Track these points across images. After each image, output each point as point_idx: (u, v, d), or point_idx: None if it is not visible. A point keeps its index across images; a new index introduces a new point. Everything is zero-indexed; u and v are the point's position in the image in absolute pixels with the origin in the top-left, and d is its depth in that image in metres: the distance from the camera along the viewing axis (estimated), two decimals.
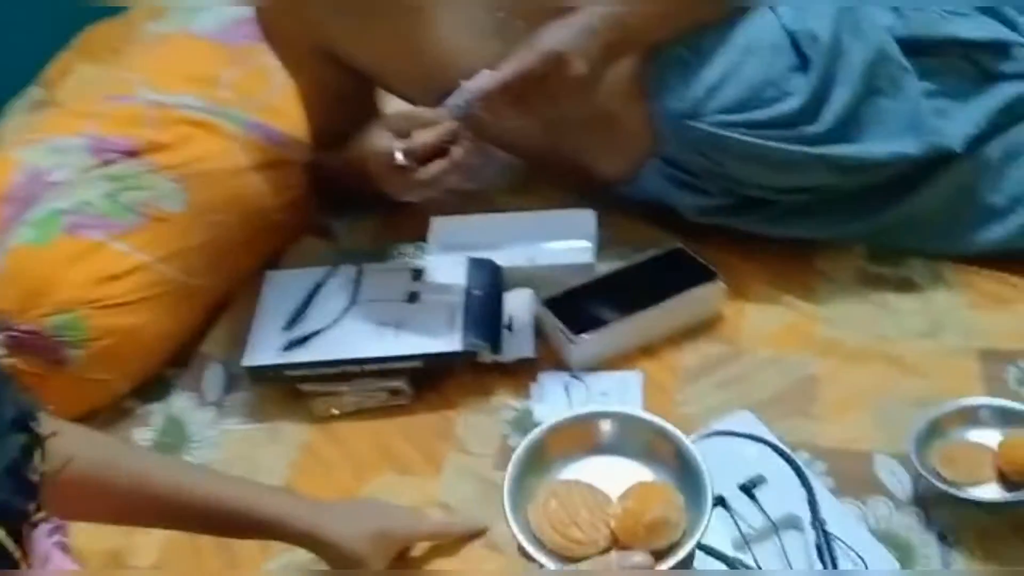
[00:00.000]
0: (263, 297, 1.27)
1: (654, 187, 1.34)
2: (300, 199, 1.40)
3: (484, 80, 1.10)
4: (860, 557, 0.95)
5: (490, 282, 1.25)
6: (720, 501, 1.01)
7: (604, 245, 1.32)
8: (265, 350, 1.19)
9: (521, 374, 1.20)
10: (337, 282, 1.27)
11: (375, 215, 1.44)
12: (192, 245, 1.27)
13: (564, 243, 1.32)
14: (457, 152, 1.11)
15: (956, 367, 1.17)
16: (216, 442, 1.19)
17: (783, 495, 1.02)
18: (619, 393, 1.17)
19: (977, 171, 1.28)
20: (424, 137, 1.11)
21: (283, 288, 1.27)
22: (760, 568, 0.96)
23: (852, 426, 1.11)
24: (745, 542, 0.99)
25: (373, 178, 1.17)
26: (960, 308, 1.24)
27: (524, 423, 1.13)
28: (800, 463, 1.04)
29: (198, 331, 1.31)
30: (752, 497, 1.02)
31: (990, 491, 1.00)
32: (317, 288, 1.27)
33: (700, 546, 0.96)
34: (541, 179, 1.47)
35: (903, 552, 0.99)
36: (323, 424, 1.19)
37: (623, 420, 0.94)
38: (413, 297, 1.24)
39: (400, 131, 1.13)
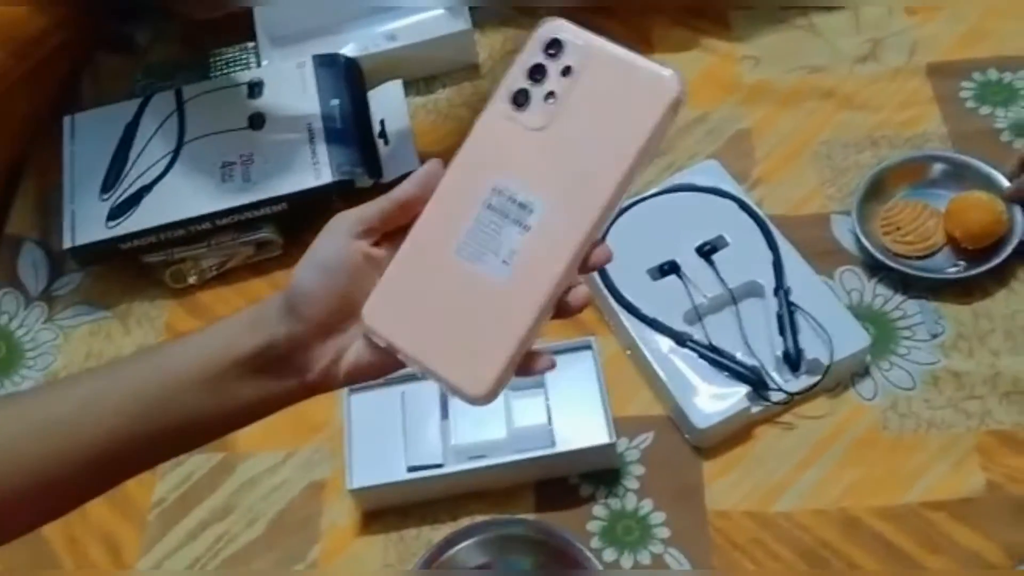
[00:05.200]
0: (66, 153, 1.00)
1: None
2: (81, 5, 1.10)
3: None
4: (825, 331, 0.83)
5: (348, 83, 1.01)
6: (673, 268, 0.88)
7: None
8: (86, 224, 0.95)
9: None
10: (154, 116, 1.01)
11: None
12: None
13: (428, 9, 1.07)
14: None
15: (903, 92, 1.00)
16: (57, 346, 0.97)
17: (746, 259, 0.88)
18: None
19: None
20: None
21: (88, 136, 1.01)
22: (709, 343, 0.83)
23: (799, 185, 0.96)
24: (697, 315, 0.86)
25: None
26: (897, 18, 1.06)
27: None
28: (769, 223, 0.90)
29: None
30: (710, 262, 0.88)
31: (939, 262, 0.88)
32: (131, 129, 1.01)
33: (646, 319, 0.86)
34: None
35: (881, 328, 0.86)
36: (183, 296, 0.98)
37: None
38: (256, 121, 0.99)
39: None
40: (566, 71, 0.47)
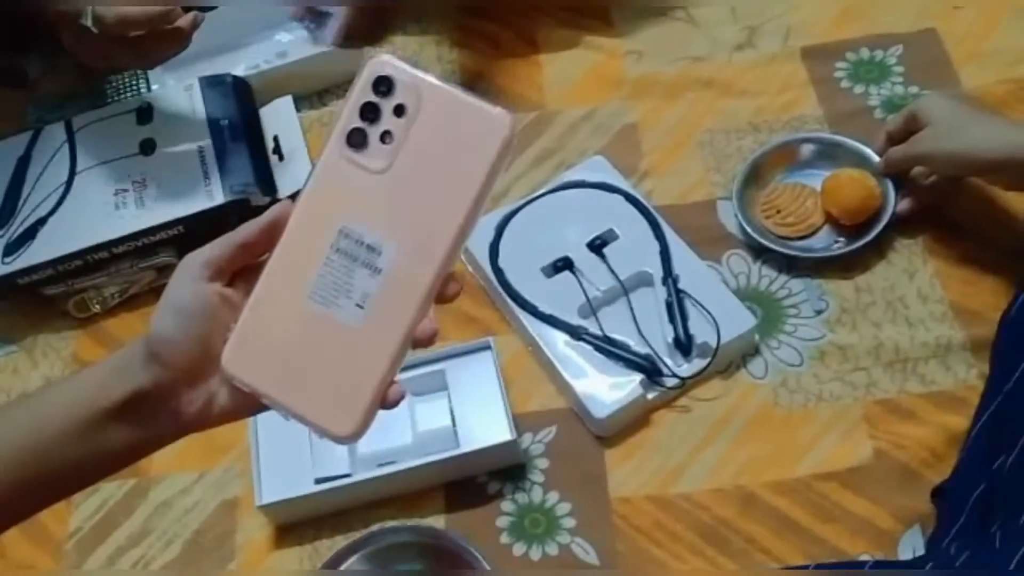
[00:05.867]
0: None
1: None
2: None
3: None
4: (711, 315, 0.86)
5: (238, 102, 1.02)
6: (566, 264, 0.91)
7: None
8: None
9: None
10: (45, 148, 1.01)
11: None
12: None
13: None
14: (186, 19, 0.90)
15: (780, 76, 1.04)
16: None
17: (636, 251, 0.91)
18: None
19: None
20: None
21: None
22: (604, 334, 0.86)
23: (686, 174, 0.99)
24: (591, 309, 0.88)
25: (53, 29, 0.91)
26: (773, 4, 1.10)
27: None
28: (655, 213, 0.93)
29: None
30: (601, 256, 0.90)
31: (821, 240, 0.92)
32: (22, 164, 1.01)
33: (542, 316, 0.89)
34: None
35: (768, 308, 0.90)
36: (88, 325, 0.99)
37: None
38: (147, 147, 0.99)
39: None
40: (399, 110, 0.48)
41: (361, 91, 0.49)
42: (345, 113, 0.49)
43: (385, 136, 0.48)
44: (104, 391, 0.51)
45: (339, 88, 1.10)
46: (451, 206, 0.48)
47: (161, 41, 0.90)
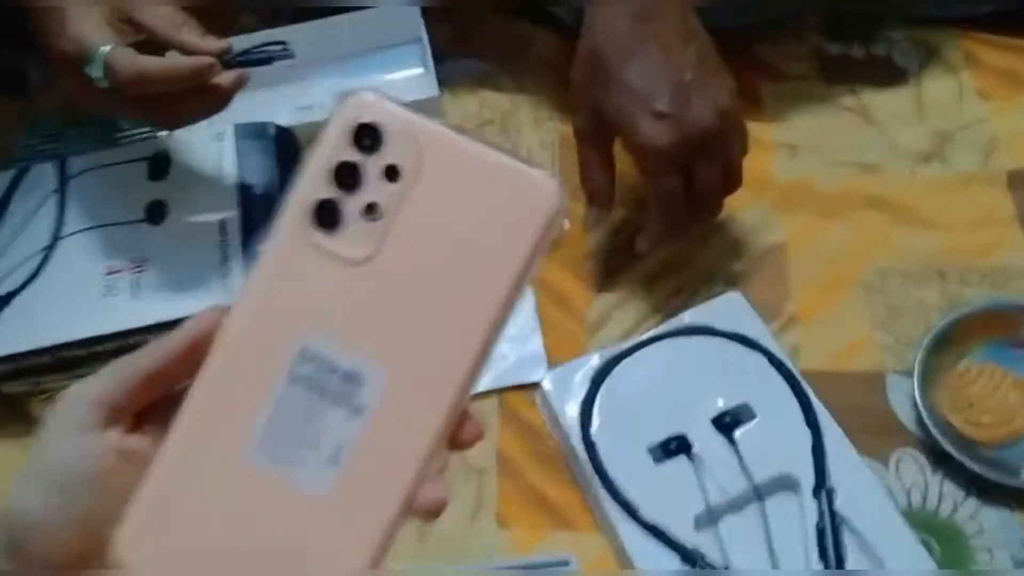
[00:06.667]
0: None
1: None
2: None
3: None
4: (876, 553, 0.63)
5: (280, 162, 0.79)
6: (682, 446, 0.68)
7: (445, 53, 0.87)
8: None
9: None
10: (31, 196, 0.79)
11: None
12: None
13: (390, 67, 0.86)
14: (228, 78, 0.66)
15: (978, 206, 0.80)
16: None
17: (777, 439, 0.68)
18: None
19: None
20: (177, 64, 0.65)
21: None
22: (726, 563, 0.64)
23: (845, 328, 0.75)
24: (711, 517, 0.66)
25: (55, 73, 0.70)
26: (969, 102, 0.85)
27: None
28: (807, 389, 0.70)
29: None
30: (731, 440, 0.68)
31: (1021, 454, 0.67)
32: (2, 204, 0.79)
33: (650, 527, 0.66)
34: None
35: (949, 544, 0.66)
36: None
37: None
38: (155, 212, 0.77)
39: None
40: (391, 173, 0.33)
41: (334, 145, 0.34)
42: (308, 177, 0.34)
43: (369, 210, 0.34)
44: None
45: None
46: (468, 313, 0.33)
47: (192, 103, 0.67)
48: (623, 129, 0.68)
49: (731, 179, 0.72)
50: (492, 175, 0.33)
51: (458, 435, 0.35)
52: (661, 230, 0.73)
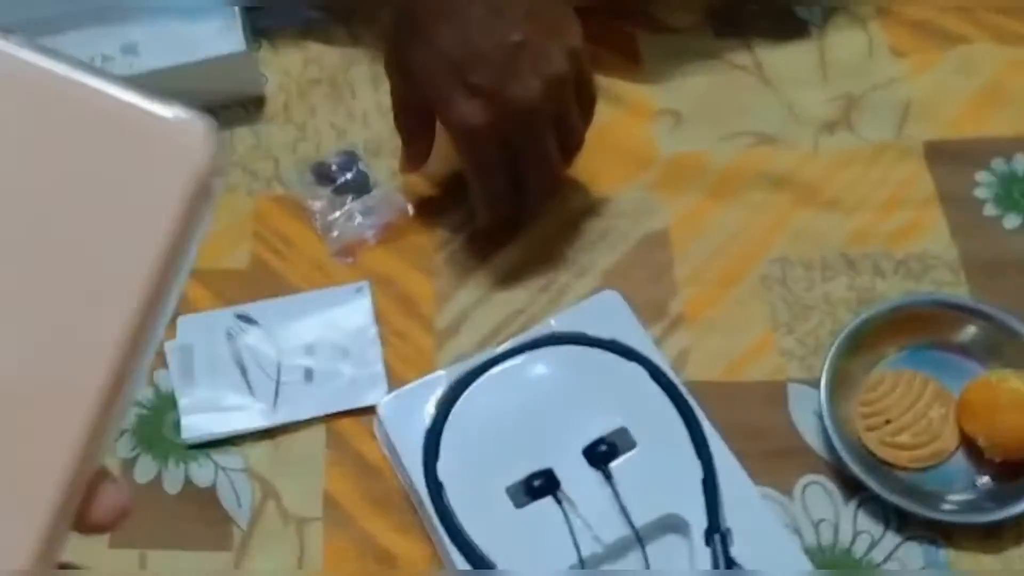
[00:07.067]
0: None
1: None
2: None
3: None
4: None
5: None
6: (548, 484, 0.56)
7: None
8: None
9: None
10: None
11: None
12: None
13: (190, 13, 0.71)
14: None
15: (892, 182, 0.69)
16: None
17: (659, 472, 0.56)
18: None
19: None
20: None
21: None
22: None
23: (740, 328, 0.63)
24: (580, 563, 0.54)
25: None
26: (880, 60, 0.74)
27: None
28: (697, 411, 0.58)
29: None
30: (605, 474, 0.56)
31: (952, 475, 0.57)
32: None
33: None
34: None
35: None
36: None
37: None
38: None
39: None
40: None
41: None
42: None
43: None
44: None
45: (213, 114, 0.73)
46: (84, 331, 0.24)
47: None
48: (436, 104, 0.58)
49: (570, 142, 0.61)
50: (103, 120, 0.24)
51: (88, 511, 0.25)
52: (487, 214, 0.63)
